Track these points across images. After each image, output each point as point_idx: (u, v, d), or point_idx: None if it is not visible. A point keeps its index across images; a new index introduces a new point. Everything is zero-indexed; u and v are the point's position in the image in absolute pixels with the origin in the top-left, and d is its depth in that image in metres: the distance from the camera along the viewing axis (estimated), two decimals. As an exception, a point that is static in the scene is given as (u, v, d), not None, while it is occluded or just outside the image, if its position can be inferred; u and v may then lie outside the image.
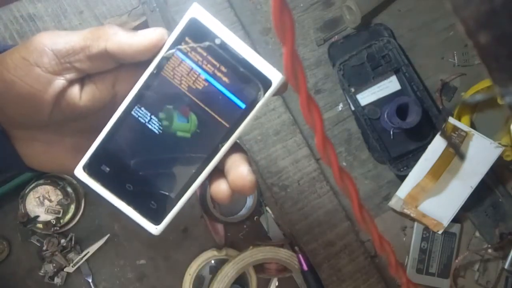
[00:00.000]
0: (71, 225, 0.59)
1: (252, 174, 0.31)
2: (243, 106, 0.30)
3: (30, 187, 0.58)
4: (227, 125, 0.30)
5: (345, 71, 0.65)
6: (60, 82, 0.29)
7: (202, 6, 0.29)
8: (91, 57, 0.29)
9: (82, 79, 0.31)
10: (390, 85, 0.66)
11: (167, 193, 0.32)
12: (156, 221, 0.32)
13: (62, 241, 0.59)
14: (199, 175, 0.31)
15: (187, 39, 0.29)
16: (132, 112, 0.31)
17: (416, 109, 0.62)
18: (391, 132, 0.65)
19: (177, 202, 0.32)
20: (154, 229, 0.32)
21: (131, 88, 0.30)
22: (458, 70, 0.70)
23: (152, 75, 0.30)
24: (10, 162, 0.33)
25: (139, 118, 0.31)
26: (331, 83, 0.67)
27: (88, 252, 0.60)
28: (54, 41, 0.29)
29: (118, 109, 0.31)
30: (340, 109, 0.67)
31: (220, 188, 0.31)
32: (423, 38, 0.69)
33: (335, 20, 0.68)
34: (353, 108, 0.65)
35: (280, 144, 0.62)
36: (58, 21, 0.58)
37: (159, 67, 0.30)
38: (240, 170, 0.30)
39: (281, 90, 0.31)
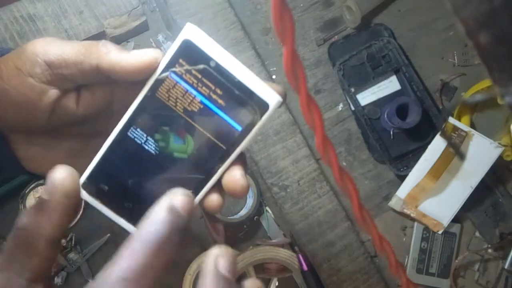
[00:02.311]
0: (71, 225, 0.59)
1: (245, 179, 0.30)
2: (239, 128, 0.30)
3: (30, 187, 0.58)
4: (224, 147, 0.30)
5: (345, 71, 0.65)
6: (54, 91, 0.29)
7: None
8: (83, 72, 0.29)
9: (78, 87, 0.31)
10: (390, 85, 0.66)
11: None
12: None
13: (62, 241, 0.59)
14: (196, 195, 0.31)
15: (181, 61, 0.29)
16: (128, 133, 0.30)
17: (416, 109, 0.62)
18: (391, 132, 0.65)
19: None
20: None
21: (129, 96, 0.30)
22: (458, 70, 0.70)
23: (146, 97, 0.29)
24: (8, 165, 0.33)
25: (135, 139, 0.30)
26: (331, 83, 0.67)
27: (88, 252, 0.60)
28: (47, 51, 0.29)
29: (114, 130, 0.30)
30: (340, 109, 0.67)
31: (211, 198, 0.31)
32: (423, 38, 0.69)
33: (335, 20, 0.68)
34: (353, 108, 0.65)
35: (280, 144, 0.62)
36: (58, 21, 0.58)
37: (153, 89, 0.29)
38: (233, 174, 0.30)
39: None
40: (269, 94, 0.29)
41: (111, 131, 0.30)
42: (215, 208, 0.31)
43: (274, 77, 0.65)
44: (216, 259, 0.25)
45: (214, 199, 0.31)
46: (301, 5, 0.67)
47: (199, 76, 0.29)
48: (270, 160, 0.62)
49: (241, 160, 0.31)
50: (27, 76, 0.29)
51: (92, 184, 0.31)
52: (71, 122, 0.32)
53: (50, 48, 0.29)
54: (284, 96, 0.29)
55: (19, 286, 0.25)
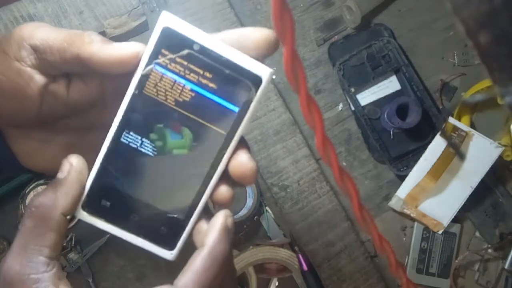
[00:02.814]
0: (71, 225, 0.59)
1: (253, 161, 0.29)
2: (236, 109, 0.28)
3: (30, 187, 0.58)
4: (224, 133, 0.29)
5: (345, 71, 0.65)
6: (41, 77, 0.29)
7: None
8: (65, 61, 0.28)
9: (68, 75, 0.30)
10: (390, 85, 0.66)
11: (175, 215, 0.30)
12: (170, 246, 0.31)
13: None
14: (205, 189, 0.30)
15: (163, 51, 0.27)
16: (121, 139, 0.29)
17: (416, 109, 0.62)
18: (391, 132, 0.65)
19: (187, 222, 0.30)
20: (170, 255, 0.31)
21: (121, 88, 0.28)
22: (458, 70, 0.70)
23: (134, 96, 0.28)
24: (4, 161, 0.33)
25: (130, 144, 0.29)
26: (331, 83, 0.67)
27: (88, 252, 0.60)
28: (33, 35, 0.28)
29: (106, 139, 0.29)
30: (340, 109, 0.67)
31: (220, 191, 0.30)
32: (423, 38, 0.69)
33: (335, 20, 0.68)
34: (353, 108, 0.65)
35: (280, 144, 0.62)
36: (58, 21, 0.58)
37: (140, 86, 0.28)
38: (239, 158, 0.29)
39: (271, 50, 0.28)
40: (260, 67, 0.28)
41: (105, 124, 0.29)
42: (227, 200, 0.30)
43: (274, 77, 0.65)
44: (226, 217, 0.30)
45: (224, 191, 0.30)
46: (301, 5, 0.67)
47: (185, 62, 0.27)
48: (270, 160, 0.62)
49: (244, 144, 0.30)
50: (14, 59, 0.28)
51: (93, 203, 0.29)
52: (63, 112, 0.31)
53: (36, 33, 0.28)
54: (277, 40, 0.28)
55: (40, 264, 0.27)
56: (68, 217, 0.28)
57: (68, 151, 0.33)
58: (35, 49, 0.28)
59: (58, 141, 0.33)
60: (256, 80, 0.28)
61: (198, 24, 0.65)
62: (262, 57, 0.28)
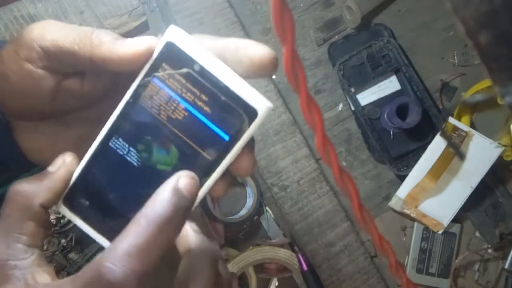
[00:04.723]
0: (71, 225, 0.59)
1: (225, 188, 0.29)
2: (226, 137, 0.27)
3: (30, 187, 0.58)
4: (210, 158, 0.28)
5: (345, 71, 0.65)
6: (53, 77, 0.29)
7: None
8: (78, 62, 0.28)
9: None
10: (390, 85, 0.66)
11: None
12: None
13: (63, 241, 0.59)
14: None
15: (164, 65, 0.27)
16: (110, 144, 0.28)
17: (416, 109, 0.62)
18: (391, 132, 0.65)
19: None
20: None
21: (134, 73, 0.28)
22: (458, 70, 0.70)
23: (128, 104, 0.28)
24: (10, 155, 0.33)
25: (117, 150, 0.28)
26: (331, 83, 0.67)
27: (88, 252, 0.60)
28: (43, 36, 0.28)
29: (95, 140, 0.29)
30: (340, 109, 0.67)
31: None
32: (423, 38, 0.69)
33: (335, 20, 0.68)
34: (353, 108, 0.65)
35: (280, 144, 0.62)
36: (58, 21, 0.58)
37: (136, 95, 0.27)
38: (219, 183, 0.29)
39: (266, 71, 0.27)
40: (258, 100, 0.27)
41: None
42: (219, 193, 0.30)
43: (274, 77, 0.65)
44: (179, 177, 0.26)
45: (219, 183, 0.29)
46: (301, 5, 0.67)
47: (183, 81, 0.27)
48: (270, 160, 0.62)
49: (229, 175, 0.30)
50: (24, 61, 0.28)
51: (73, 199, 0.29)
52: (77, 105, 0.31)
53: (46, 34, 0.28)
54: (275, 62, 0.26)
55: (18, 250, 0.27)
56: (48, 208, 0.28)
57: (79, 144, 0.33)
58: (46, 52, 0.28)
59: (69, 134, 0.33)
60: (251, 113, 0.27)
61: (198, 24, 0.65)
62: (257, 76, 0.27)
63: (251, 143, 0.29)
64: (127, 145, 0.28)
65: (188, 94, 0.27)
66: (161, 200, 0.26)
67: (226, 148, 0.28)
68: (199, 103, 0.27)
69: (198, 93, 0.27)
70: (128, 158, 0.29)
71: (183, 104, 0.27)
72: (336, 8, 0.68)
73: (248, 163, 0.29)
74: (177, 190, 0.26)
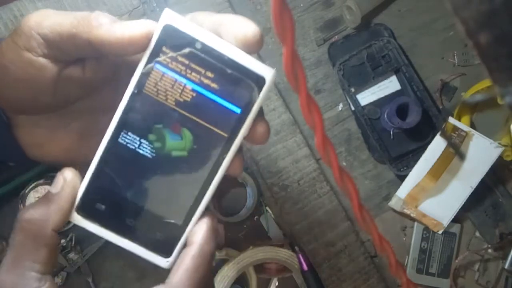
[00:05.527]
0: (71, 225, 0.59)
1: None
2: (238, 110, 0.27)
3: (30, 187, 0.58)
4: (225, 135, 0.28)
5: (345, 71, 0.65)
6: (54, 65, 0.28)
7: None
8: (78, 47, 0.27)
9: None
10: (390, 85, 0.66)
11: (172, 221, 0.29)
12: (166, 253, 0.30)
13: (62, 241, 0.59)
14: (204, 194, 0.29)
15: (164, 49, 0.26)
16: (119, 140, 0.28)
17: (416, 109, 0.62)
18: (391, 132, 0.65)
19: (185, 229, 0.29)
20: (165, 263, 0.30)
21: (134, 60, 0.28)
22: (458, 70, 0.70)
23: (133, 95, 0.27)
24: (10, 154, 0.33)
25: (128, 145, 0.28)
26: (331, 83, 0.67)
27: (88, 252, 0.60)
28: (41, 24, 0.27)
29: (103, 139, 0.28)
30: (340, 109, 0.67)
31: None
32: (423, 38, 0.69)
33: (335, 20, 0.68)
34: (353, 108, 0.65)
35: (280, 144, 0.62)
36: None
37: (140, 85, 0.27)
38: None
39: (254, 47, 0.27)
40: (263, 68, 0.27)
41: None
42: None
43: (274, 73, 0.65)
44: (213, 218, 0.33)
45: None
46: (301, 5, 0.67)
47: (186, 61, 0.26)
48: (270, 160, 0.62)
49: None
50: (24, 50, 0.27)
51: (87, 206, 0.28)
52: (79, 93, 0.30)
53: (44, 21, 0.27)
54: (259, 39, 0.26)
55: (32, 280, 0.27)
56: (60, 230, 0.29)
57: (80, 137, 0.32)
58: (45, 39, 0.27)
59: (71, 127, 0.33)
60: (259, 81, 0.27)
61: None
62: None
63: (260, 112, 0.29)
64: (138, 138, 0.28)
65: (193, 74, 0.27)
66: (207, 239, 0.31)
67: (239, 121, 0.27)
68: (206, 81, 0.27)
69: (203, 71, 0.27)
70: (141, 151, 0.28)
71: (190, 85, 0.27)
72: (336, 8, 0.68)
73: (263, 129, 0.28)
74: (216, 231, 0.32)
